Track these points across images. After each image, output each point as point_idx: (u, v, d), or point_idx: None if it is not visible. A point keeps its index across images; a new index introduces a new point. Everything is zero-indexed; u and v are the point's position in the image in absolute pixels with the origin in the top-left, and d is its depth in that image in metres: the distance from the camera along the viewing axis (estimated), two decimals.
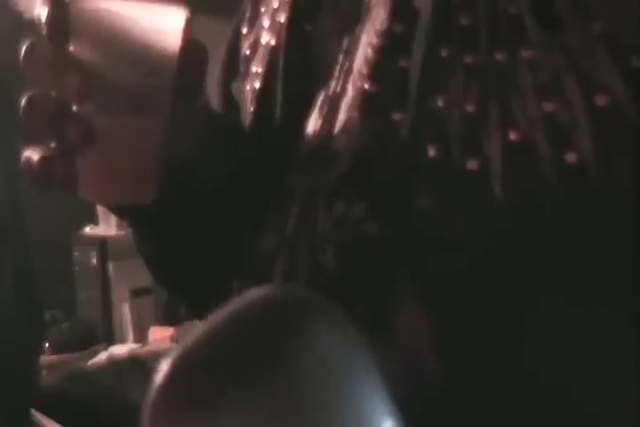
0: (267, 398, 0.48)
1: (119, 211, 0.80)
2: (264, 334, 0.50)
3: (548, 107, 0.60)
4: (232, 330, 0.52)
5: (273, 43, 0.78)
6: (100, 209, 2.85)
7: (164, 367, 0.50)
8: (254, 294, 0.54)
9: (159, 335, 2.52)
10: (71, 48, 0.65)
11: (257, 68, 0.79)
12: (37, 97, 0.65)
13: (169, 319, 2.67)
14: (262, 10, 0.81)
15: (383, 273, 0.64)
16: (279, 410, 0.48)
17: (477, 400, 0.61)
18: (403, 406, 0.50)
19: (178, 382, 0.50)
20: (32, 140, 0.67)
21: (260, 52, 0.79)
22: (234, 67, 0.84)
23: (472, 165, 0.61)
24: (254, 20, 0.82)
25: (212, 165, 0.77)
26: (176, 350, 0.51)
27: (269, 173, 0.74)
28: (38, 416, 1.74)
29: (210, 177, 0.77)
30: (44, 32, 0.65)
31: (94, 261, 2.81)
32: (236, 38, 0.84)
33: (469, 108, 0.62)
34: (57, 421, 1.74)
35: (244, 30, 0.83)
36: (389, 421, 0.50)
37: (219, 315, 0.53)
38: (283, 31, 0.77)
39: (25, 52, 0.64)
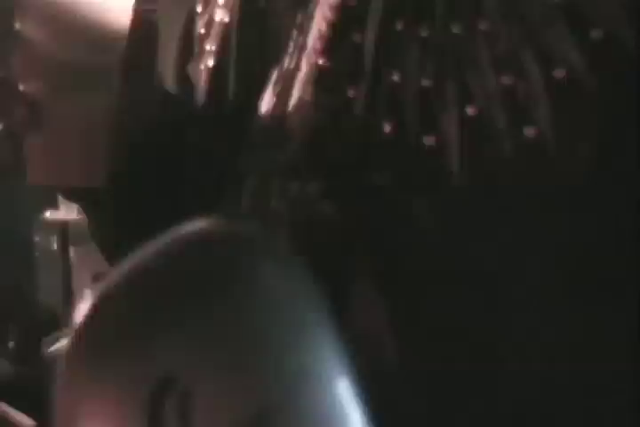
0: (200, 336, 0.45)
1: (70, 194, 0.78)
2: (196, 267, 0.47)
3: (506, 80, 0.59)
4: (160, 265, 0.48)
5: (226, 20, 0.76)
6: None
7: (85, 307, 0.47)
8: (186, 227, 0.51)
9: None
10: (17, 26, 0.63)
11: (211, 46, 0.78)
12: None
13: None
14: None
15: (339, 253, 0.63)
16: (213, 351, 0.45)
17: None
18: (361, 388, 0.48)
19: (100, 320, 0.47)
20: None
21: (214, 30, 0.78)
22: (189, 48, 0.82)
23: (429, 140, 0.60)
24: None
25: (167, 145, 0.76)
26: (98, 288, 0.48)
27: (223, 154, 0.73)
28: None
29: (164, 156, 0.76)
30: None
31: (55, 245, 2.79)
32: (191, 18, 0.83)
33: (425, 82, 0.61)
34: (19, 409, 1.73)
35: (199, 9, 0.82)
36: (343, 377, 0.47)
37: (144, 252, 0.50)
38: (236, 7, 0.75)
39: None
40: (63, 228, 2.81)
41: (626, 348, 0.59)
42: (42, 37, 0.64)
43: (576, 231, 0.59)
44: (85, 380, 0.46)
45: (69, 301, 2.74)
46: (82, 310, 0.47)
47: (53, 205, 2.88)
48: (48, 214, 2.87)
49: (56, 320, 2.62)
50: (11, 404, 1.71)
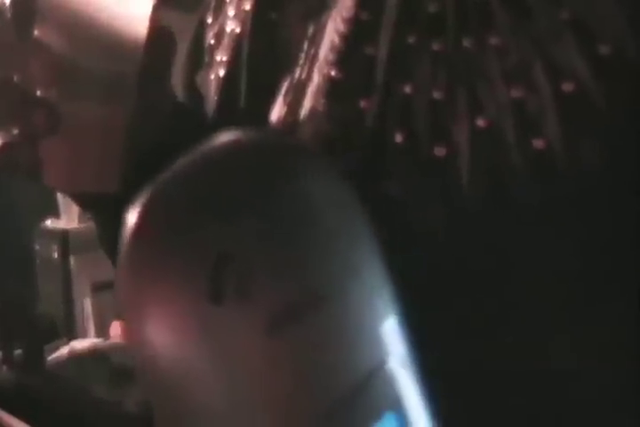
0: (245, 236, 0.46)
1: (83, 200, 0.79)
2: (243, 172, 0.48)
3: (516, 93, 0.60)
4: (209, 169, 0.48)
5: (238, 31, 0.77)
6: (61, 201, 2.83)
7: (137, 206, 0.48)
8: (230, 135, 0.50)
9: (121, 330, 2.49)
10: (36, 32, 0.64)
11: (222, 56, 0.79)
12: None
13: None
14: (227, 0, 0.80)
15: None
16: (261, 252, 0.46)
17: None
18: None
19: (153, 219, 0.47)
20: None
21: (225, 41, 0.79)
22: (198, 58, 0.83)
23: (439, 151, 0.61)
24: (219, 10, 0.82)
25: (176, 154, 0.77)
26: (146, 191, 0.48)
27: None
28: None
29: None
30: (8, 15, 0.64)
31: (55, 254, 2.78)
32: (201, 29, 0.84)
33: (437, 94, 0.62)
34: (15, 414, 1.73)
35: (209, 20, 0.83)
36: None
37: (189, 157, 0.49)
38: (248, 19, 0.76)
39: None
40: (64, 236, 2.80)
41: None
42: (60, 44, 0.65)
43: (586, 239, 0.60)
44: (149, 262, 0.47)
45: (69, 309, 2.73)
46: (134, 207, 0.48)
47: (54, 213, 2.88)
48: (49, 223, 2.87)
49: (56, 328, 2.62)
50: (10, 411, 1.71)
